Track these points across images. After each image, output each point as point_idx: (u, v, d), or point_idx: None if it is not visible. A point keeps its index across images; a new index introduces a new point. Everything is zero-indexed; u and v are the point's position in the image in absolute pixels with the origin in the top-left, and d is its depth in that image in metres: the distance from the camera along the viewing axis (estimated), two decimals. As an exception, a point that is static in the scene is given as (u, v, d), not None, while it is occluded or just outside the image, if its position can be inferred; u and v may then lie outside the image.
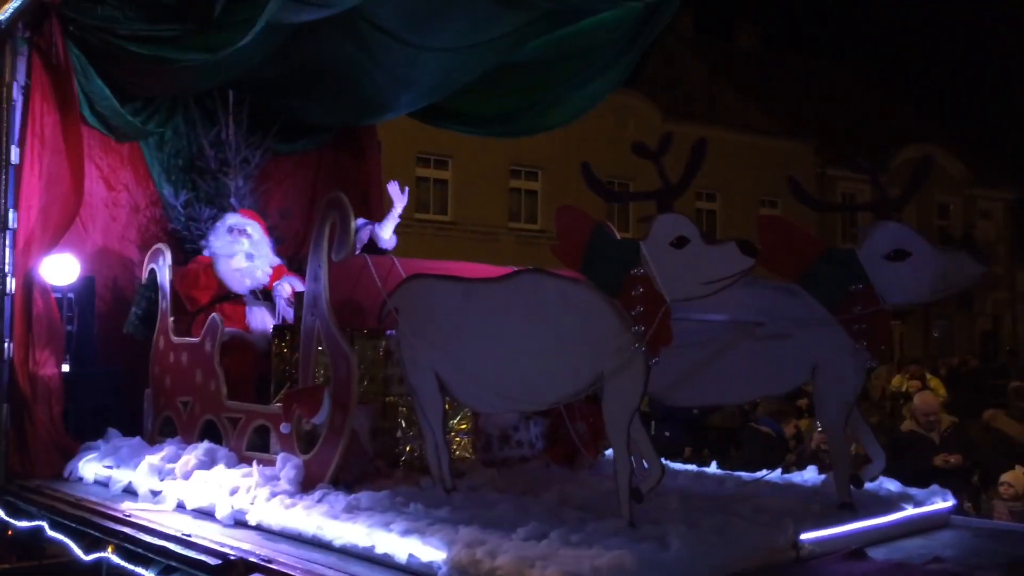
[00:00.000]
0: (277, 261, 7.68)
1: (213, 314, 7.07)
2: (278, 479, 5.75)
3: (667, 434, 10.25)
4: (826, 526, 4.75)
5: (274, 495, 5.44)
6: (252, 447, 6.51)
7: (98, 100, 8.44)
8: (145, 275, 8.08)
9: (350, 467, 5.74)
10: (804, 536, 4.57)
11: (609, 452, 7.06)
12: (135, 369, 8.22)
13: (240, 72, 8.30)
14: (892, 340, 5.55)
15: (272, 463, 5.99)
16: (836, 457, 5.24)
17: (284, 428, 5.84)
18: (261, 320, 7.35)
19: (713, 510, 4.80)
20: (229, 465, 6.30)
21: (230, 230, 7.49)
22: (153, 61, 7.92)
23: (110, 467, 6.98)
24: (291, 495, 5.47)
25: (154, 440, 7.54)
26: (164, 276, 7.75)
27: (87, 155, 8.58)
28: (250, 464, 6.18)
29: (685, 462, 7.86)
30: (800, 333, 5.19)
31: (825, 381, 5.20)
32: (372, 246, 7.93)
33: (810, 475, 6.16)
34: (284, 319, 7.34)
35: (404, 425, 6.29)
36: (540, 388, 4.94)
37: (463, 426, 6.52)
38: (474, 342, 5.27)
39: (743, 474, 6.29)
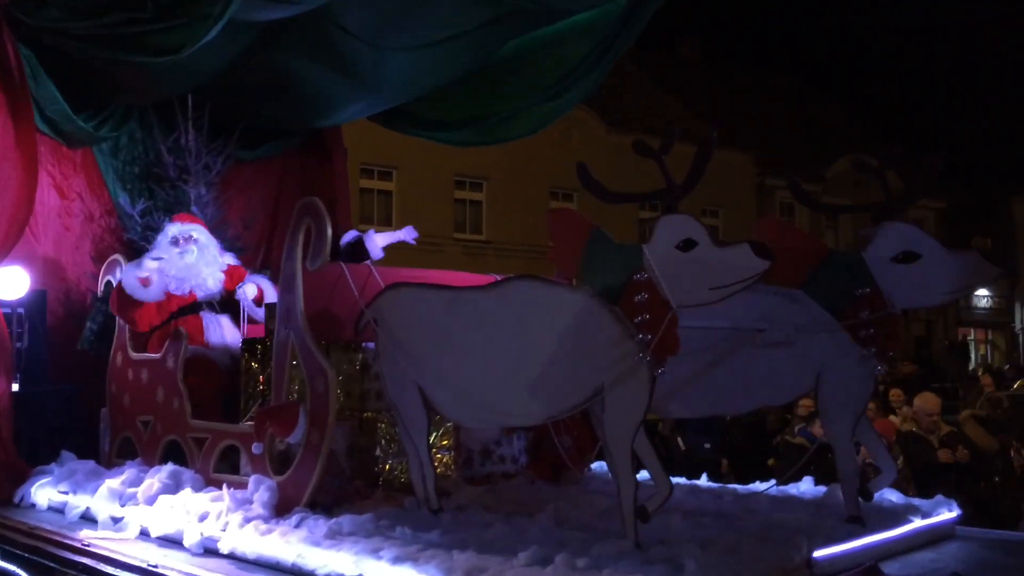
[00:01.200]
0: (228, 263, 7.27)
1: (177, 327, 6.68)
2: (251, 503, 5.39)
3: (707, 446, 9.83)
4: (837, 542, 4.52)
5: (248, 520, 5.08)
6: (219, 469, 6.15)
7: (48, 105, 8.04)
8: (101, 288, 7.66)
9: (328, 489, 5.40)
10: (816, 553, 4.33)
11: (596, 466, 6.83)
12: (90, 387, 7.79)
13: (204, 77, 7.94)
14: (903, 345, 5.38)
15: (243, 486, 5.63)
16: (843, 469, 5.01)
17: (256, 448, 5.49)
18: (220, 334, 6.96)
19: (720, 527, 4.56)
20: (196, 488, 5.93)
21: (175, 241, 7.08)
22: (111, 64, 7.56)
23: (65, 492, 6.56)
24: (266, 520, 5.12)
25: (112, 463, 7.13)
26: (122, 289, 7.34)
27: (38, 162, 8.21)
28: (219, 487, 5.82)
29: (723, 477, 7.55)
30: (802, 340, 4.96)
31: (830, 389, 4.97)
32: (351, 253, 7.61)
33: (806, 486, 5.94)
34: (254, 320, 6.96)
35: (383, 442, 5.96)
36: (535, 402, 4.64)
37: (444, 442, 6.21)
38: (461, 354, 4.96)
39: (738, 487, 6.06)
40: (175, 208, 8.50)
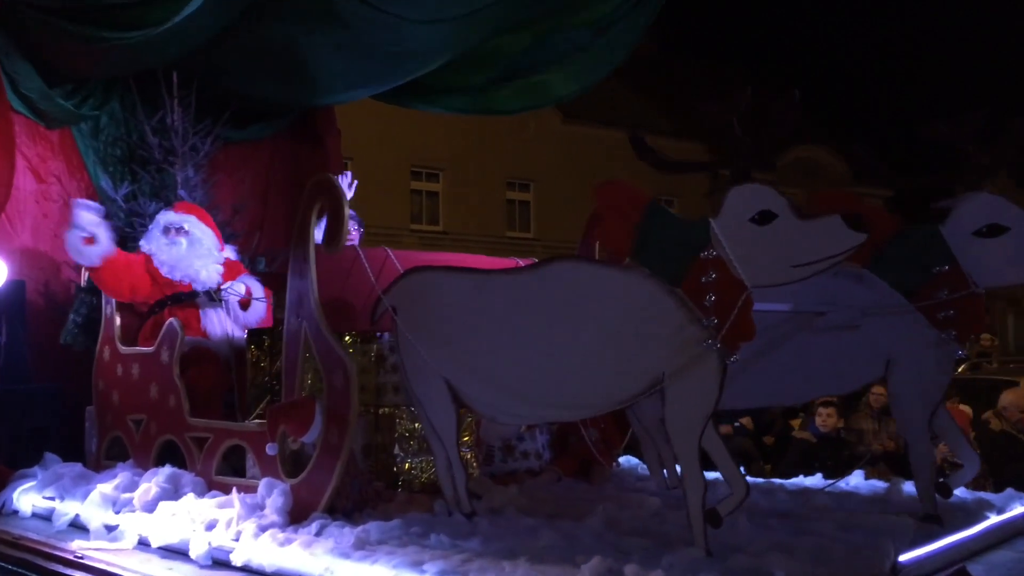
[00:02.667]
0: (226, 256, 6.77)
1: (170, 319, 6.17)
2: (262, 509, 4.92)
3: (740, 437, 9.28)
4: (918, 544, 4.13)
5: (263, 528, 4.61)
6: (220, 472, 5.67)
7: (23, 81, 7.50)
8: (85, 277, 7.13)
9: (347, 492, 4.94)
10: (901, 557, 3.93)
11: (623, 460, 6.41)
12: (74, 384, 7.30)
13: (186, 48, 7.41)
14: (988, 327, 4.99)
15: (251, 490, 5.16)
16: (918, 464, 4.61)
17: (270, 449, 5.01)
18: (220, 323, 6.45)
19: (791, 530, 4.14)
20: (198, 493, 5.45)
21: (165, 230, 6.57)
22: (86, 40, 7.04)
23: (52, 498, 6.06)
24: (282, 527, 4.65)
25: (100, 465, 6.62)
26: (108, 277, 6.81)
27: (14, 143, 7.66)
28: (223, 492, 5.36)
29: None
30: (870, 324, 4.54)
31: (903, 378, 4.57)
32: None
33: (857, 480, 5.55)
34: (245, 324, 6.49)
35: (403, 440, 5.50)
36: (582, 394, 4.20)
37: (466, 438, 5.75)
38: (495, 343, 4.51)
39: (784, 482, 5.66)
40: (160, 192, 7.97)
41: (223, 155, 8.61)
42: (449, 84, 8.85)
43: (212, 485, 5.59)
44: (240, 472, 5.60)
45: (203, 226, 6.63)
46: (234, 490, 5.12)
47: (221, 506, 5.03)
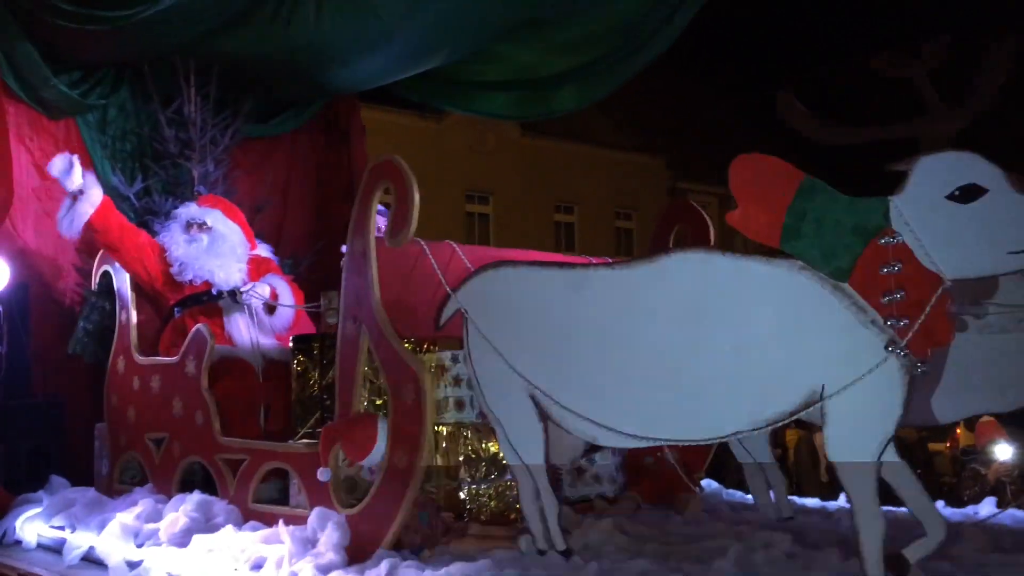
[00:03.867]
0: (253, 253, 6.05)
1: (197, 325, 5.46)
2: (315, 545, 4.21)
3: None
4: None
5: (323, 570, 3.91)
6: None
7: (25, 67, 6.82)
8: (96, 281, 6.43)
9: (415, 525, 4.23)
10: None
11: (705, 483, 5.74)
12: (81, 398, 6.66)
13: (196, 31, 6.78)
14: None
15: (299, 521, 4.45)
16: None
17: (322, 474, 4.30)
18: (247, 329, 5.73)
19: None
20: (235, 524, 4.74)
21: (187, 226, 5.89)
22: (89, 20, 6.38)
23: (61, 527, 5.37)
24: (343, 568, 3.95)
25: (113, 489, 5.90)
26: (124, 281, 6.11)
27: (14, 136, 6.97)
28: (264, 523, 4.65)
29: None
30: None
31: None
32: None
33: (988, 509, 4.87)
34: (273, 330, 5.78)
35: (469, 462, 4.80)
36: (715, 414, 3.51)
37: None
38: (597, 350, 3.82)
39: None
40: (176, 189, 7.29)
41: (241, 151, 7.91)
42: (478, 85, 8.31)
43: (249, 515, 4.89)
44: (284, 500, 4.89)
45: (229, 222, 5.95)
46: (280, 522, 4.41)
47: (267, 541, 4.32)
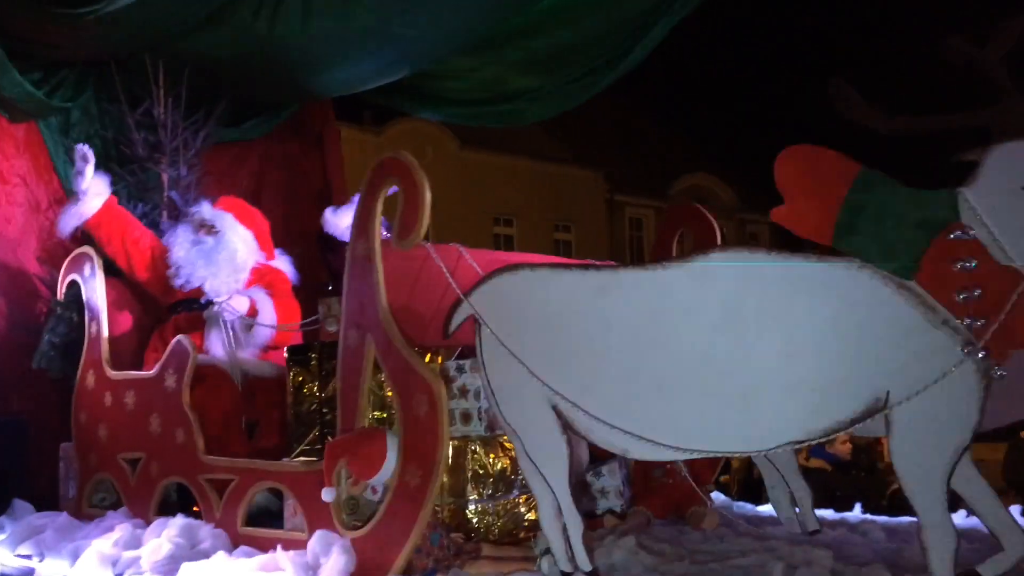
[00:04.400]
0: (266, 264, 5.70)
1: (178, 336, 5.11)
2: (317, 571, 3.90)
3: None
4: None
5: (332, 600, 3.58)
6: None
7: (-7, 65, 6.43)
8: (62, 290, 6.03)
9: (427, 548, 3.93)
10: None
11: (715, 496, 5.50)
12: (48, 417, 6.21)
13: (167, 28, 6.45)
14: None
15: (297, 545, 4.13)
16: None
17: (327, 494, 3.97)
18: (224, 341, 5.37)
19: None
20: (225, 550, 4.40)
21: (199, 226, 5.57)
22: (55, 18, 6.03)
23: (28, 556, 4.96)
24: (352, 596, 3.64)
25: (82, 514, 5.51)
26: (94, 291, 5.73)
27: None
28: (256, 548, 4.33)
29: None
30: None
31: None
32: None
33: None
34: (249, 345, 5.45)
35: (477, 479, 4.51)
36: (764, 423, 3.28)
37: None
38: (629, 357, 3.57)
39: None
40: (145, 195, 6.92)
41: (210, 156, 7.54)
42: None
43: (238, 539, 4.55)
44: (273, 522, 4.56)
45: (239, 228, 5.59)
46: (279, 548, 4.08)
47: (264, 568, 3.99)
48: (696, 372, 3.40)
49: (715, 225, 5.39)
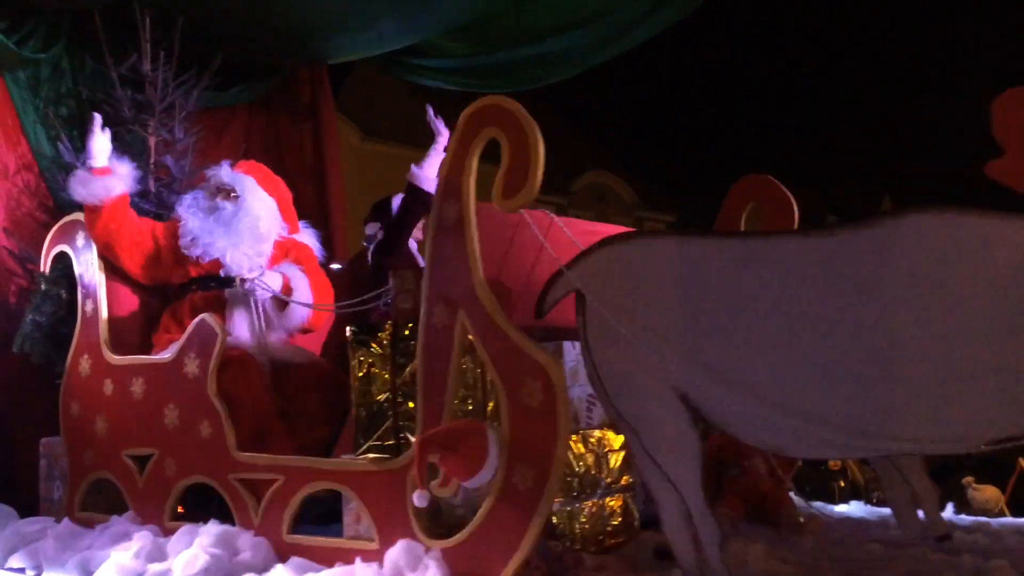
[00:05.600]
0: (290, 237, 5.03)
1: (201, 315, 4.44)
2: (403, 587, 3.31)
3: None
4: None
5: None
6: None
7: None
8: (47, 263, 5.29)
9: (536, 560, 3.38)
10: None
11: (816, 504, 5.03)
12: (30, 408, 5.46)
13: None
14: None
15: (368, 557, 3.54)
16: None
17: (420, 499, 3.37)
18: (253, 324, 4.71)
19: None
20: (267, 560, 3.79)
21: (216, 191, 4.89)
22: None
23: (22, 570, 4.28)
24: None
25: (74, 519, 4.80)
26: (88, 264, 5.01)
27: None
28: (309, 560, 3.73)
29: None
30: None
31: None
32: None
33: None
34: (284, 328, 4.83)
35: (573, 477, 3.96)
36: (972, 415, 2.81)
37: (625, 479, 4.26)
38: (786, 340, 3.08)
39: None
40: (132, 160, 6.19)
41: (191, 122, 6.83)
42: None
43: (284, 549, 3.92)
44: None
45: (262, 195, 4.92)
46: (358, 561, 3.47)
47: (335, 585, 3.38)
48: (881, 355, 2.92)
49: (791, 198, 4.92)
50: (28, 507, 5.09)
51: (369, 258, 5.72)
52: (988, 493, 7.98)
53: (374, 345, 3.79)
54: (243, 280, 4.75)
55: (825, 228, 3.09)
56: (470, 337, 3.44)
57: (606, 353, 3.46)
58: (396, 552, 3.45)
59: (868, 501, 5.86)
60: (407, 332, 3.72)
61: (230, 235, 4.74)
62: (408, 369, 3.68)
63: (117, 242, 4.81)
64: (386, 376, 3.74)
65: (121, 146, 6.14)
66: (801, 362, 3.07)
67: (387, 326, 3.78)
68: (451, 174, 3.54)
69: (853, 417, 2.98)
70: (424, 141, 5.39)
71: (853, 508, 4.99)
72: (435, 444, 3.34)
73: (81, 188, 4.79)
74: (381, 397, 3.75)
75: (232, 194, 4.85)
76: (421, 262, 5.86)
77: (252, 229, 4.76)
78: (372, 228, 5.73)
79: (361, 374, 3.80)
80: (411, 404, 3.68)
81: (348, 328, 3.87)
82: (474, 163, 3.50)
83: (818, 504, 5.15)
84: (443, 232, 3.54)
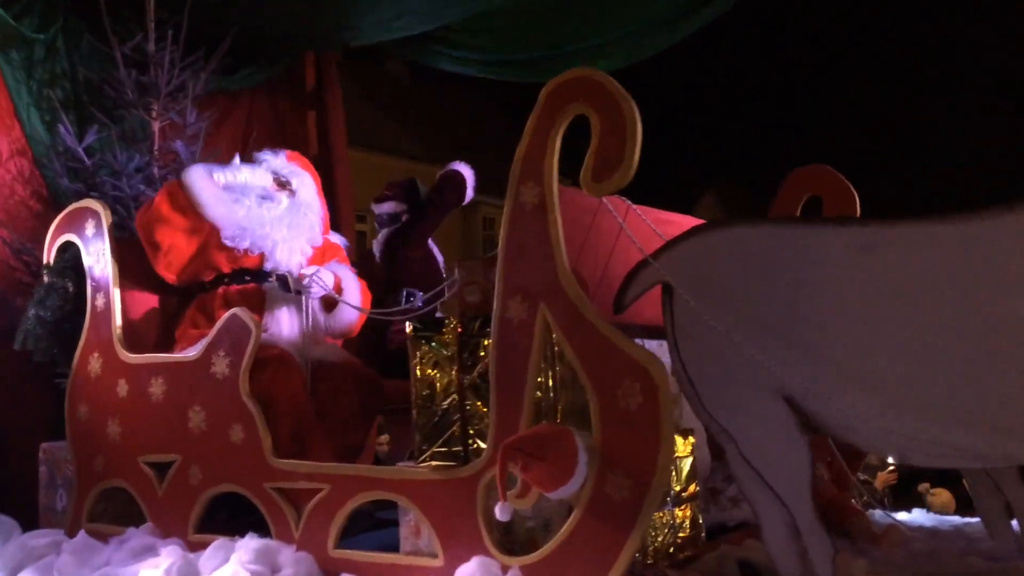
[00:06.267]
0: (319, 240, 4.68)
1: (233, 310, 4.07)
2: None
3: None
4: None
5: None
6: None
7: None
8: (50, 254, 4.89)
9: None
10: None
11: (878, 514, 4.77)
12: (21, 409, 5.09)
13: None
14: None
15: (421, 573, 3.21)
16: None
17: (503, 512, 3.03)
18: (292, 323, 4.36)
19: None
20: (313, 577, 3.45)
21: (274, 182, 4.54)
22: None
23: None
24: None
25: (74, 531, 4.41)
26: (100, 255, 4.62)
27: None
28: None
29: None
30: None
31: None
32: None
33: None
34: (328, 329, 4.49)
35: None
36: None
37: (693, 487, 3.95)
38: (918, 338, 2.80)
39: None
40: (132, 146, 5.83)
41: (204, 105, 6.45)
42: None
43: (330, 564, 3.58)
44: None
45: (315, 192, 4.60)
46: (427, 580, 3.14)
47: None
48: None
49: (852, 189, 4.66)
50: (26, 518, 4.69)
51: (376, 247, 5.39)
52: (944, 498, 7.85)
53: (437, 341, 3.45)
54: (290, 277, 4.39)
55: (960, 214, 2.81)
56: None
57: (697, 351, 3.16)
58: (470, 569, 3.13)
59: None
60: (476, 328, 3.39)
61: (288, 229, 4.40)
62: (477, 369, 3.35)
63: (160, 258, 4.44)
64: (452, 376, 3.41)
65: (123, 132, 5.84)
66: (943, 365, 2.79)
67: (452, 321, 3.44)
68: (530, 154, 3.22)
69: (1002, 420, 2.70)
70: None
71: (916, 516, 4.76)
72: (520, 451, 3.01)
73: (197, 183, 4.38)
74: (446, 400, 3.41)
75: (288, 186, 4.52)
76: (439, 256, 5.66)
77: (310, 227, 4.46)
78: (389, 207, 5.42)
79: (422, 374, 3.46)
80: (480, 405, 3.36)
81: (408, 323, 3.52)
82: (557, 142, 3.18)
83: (877, 513, 4.90)
84: (520, 217, 3.21)
